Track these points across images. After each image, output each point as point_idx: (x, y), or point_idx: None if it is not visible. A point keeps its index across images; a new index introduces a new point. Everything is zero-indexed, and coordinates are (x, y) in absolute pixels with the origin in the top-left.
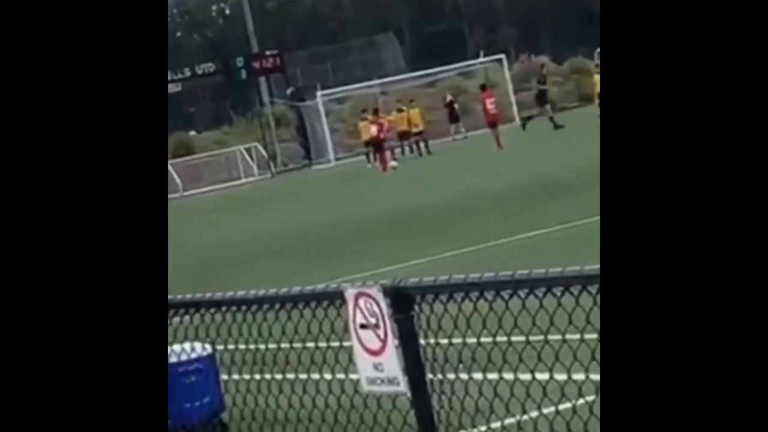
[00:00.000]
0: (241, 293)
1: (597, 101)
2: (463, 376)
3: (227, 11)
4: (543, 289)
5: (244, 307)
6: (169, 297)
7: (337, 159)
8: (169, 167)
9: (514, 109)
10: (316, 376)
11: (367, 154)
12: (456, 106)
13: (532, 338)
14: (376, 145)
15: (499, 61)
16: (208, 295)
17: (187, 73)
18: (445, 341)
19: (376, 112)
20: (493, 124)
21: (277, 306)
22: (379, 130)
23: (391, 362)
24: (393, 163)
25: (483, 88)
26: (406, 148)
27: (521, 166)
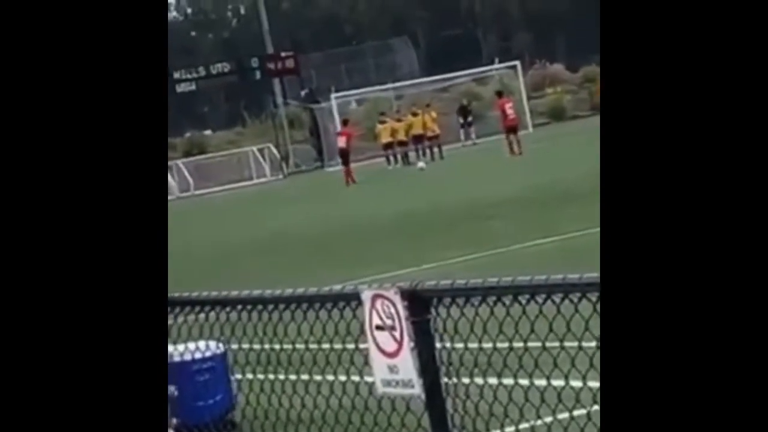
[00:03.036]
0: (257, 292)
1: None
2: (478, 380)
3: (242, 11)
4: (560, 295)
5: (260, 306)
6: (183, 295)
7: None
8: (181, 166)
9: (528, 116)
10: (330, 377)
11: (387, 156)
12: (470, 111)
13: (548, 344)
14: (343, 155)
15: (514, 67)
16: (224, 293)
17: (202, 72)
18: (460, 345)
19: (382, 114)
20: (512, 129)
21: (293, 306)
22: (348, 141)
23: (407, 365)
24: (420, 164)
25: (500, 94)
26: (420, 152)
27: (536, 172)
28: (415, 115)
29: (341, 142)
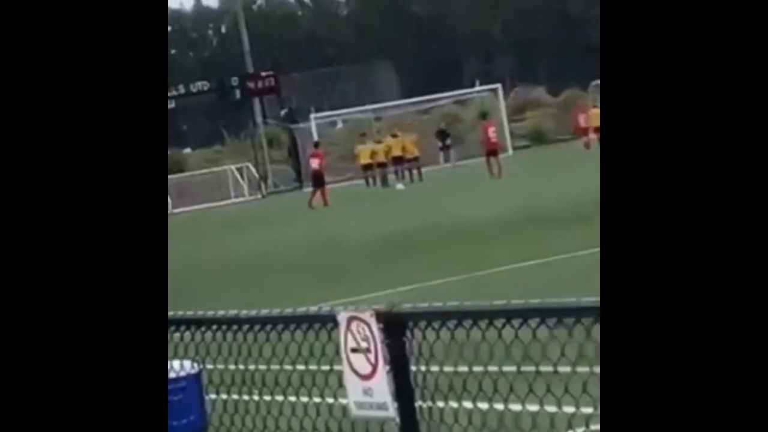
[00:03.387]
0: (232, 312)
1: (590, 135)
2: (453, 403)
3: (223, 30)
4: (536, 320)
5: (234, 326)
6: None
7: (328, 182)
8: None
9: (508, 139)
10: (304, 398)
11: (366, 178)
12: (449, 134)
13: (523, 368)
14: (316, 177)
15: (495, 90)
16: (200, 313)
17: (182, 90)
18: (436, 368)
19: (362, 135)
20: (493, 152)
21: (269, 326)
22: (320, 164)
23: (381, 387)
24: (399, 186)
25: (483, 116)
26: (399, 174)
27: (515, 195)
28: (394, 136)
29: (314, 164)
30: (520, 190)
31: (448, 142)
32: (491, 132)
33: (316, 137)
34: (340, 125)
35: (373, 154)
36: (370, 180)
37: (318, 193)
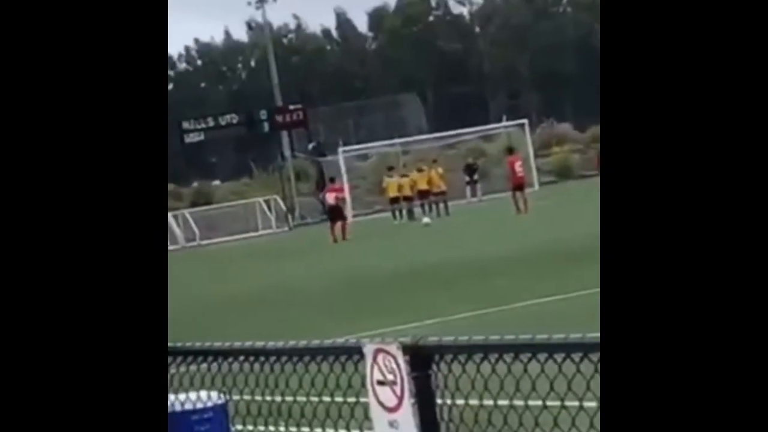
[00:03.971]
0: (259, 344)
1: None
2: None
3: (252, 64)
4: (562, 354)
5: (261, 358)
6: (185, 344)
7: (355, 215)
8: (188, 216)
9: (535, 174)
10: (330, 430)
11: (393, 211)
12: (476, 169)
13: (549, 403)
14: (333, 212)
15: (521, 126)
16: (227, 344)
17: (211, 123)
18: (461, 401)
19: (390, 169)
20: (519, 187)
21: (295, 358)
22: (336, 198)
23: (407, 420)
24: (426, 220)
25: (510, 151)
26: (426, 208)
27: (541, 230)
28: (420, 171)
29: (330, 199)
30: (546, 225)
31: (476, 176)
32: (518, 166)
33: (344, 170)
34: (370, 159)
35: (400, 187)
36: (397, 213)
37: (337, 226)
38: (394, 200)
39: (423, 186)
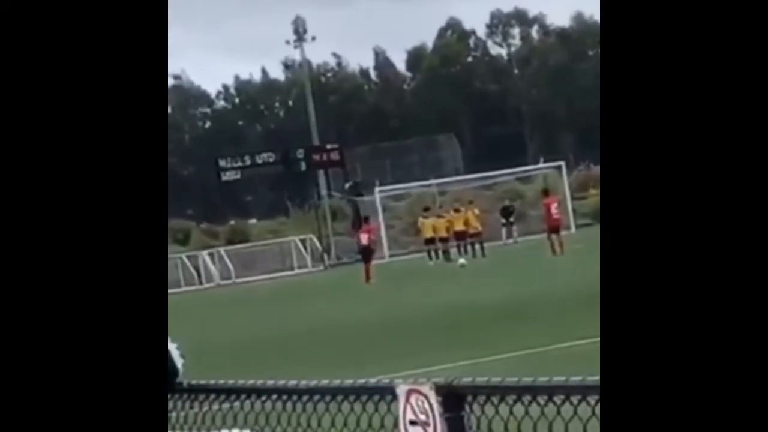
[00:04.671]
0: (292, 382)
1: None
2: None
3: (290, 103)
4: (595, 397)
5: (294, 397)
6: (218, 382)
7: (391, 255)
8: (224, 254)
9: (571, 216)
10: None
11: (429, 252)
12: (513, 211)
13: None
14: (365, 252)
15: (558, 168)
16: (260, 382)
17: (247, 161)
18: None
19: (426, 210)
20: (555, 229)
21: (328, 397)
22: (369, 238)
23: None
24: (461, 261)
25: (546, 193)
26: (461, 249)
27: (576, 273)
28: (457, 211)
29: (363, 239)
30: (581, 268)
31: (512, 218)
32: (554, 208)
33: (380, 210)
34: (406, 199)
35: (435, 228)
36: (433, 254)
37: (371, 266)
38: (430, 241)
39: (459, 227)
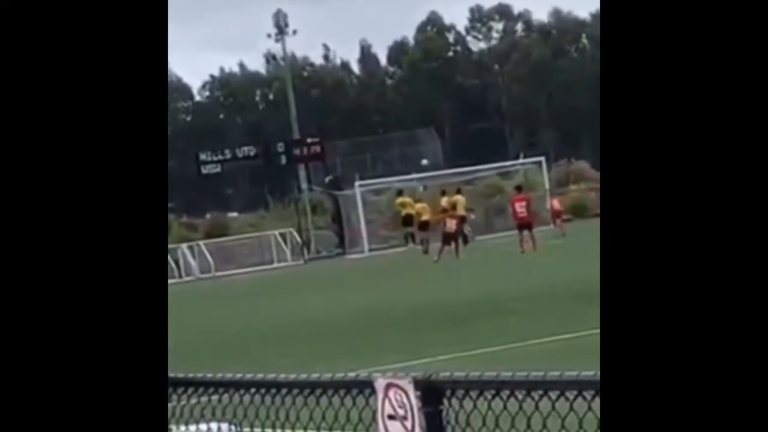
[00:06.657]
0: (271, 376)
1: None
2: None
3: (271, 97)
4: (574, 392)
5: (273, 390)
6: (197, 376)
7: (371, 249)
8: (203, 247)
9: (550, 212)
10: None
11: (406, 236)
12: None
13: None
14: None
15: (539, 163)
16: (238, 376)
17: (228, 155)
18: None
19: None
20: (524, 226)
21: (306, 391)
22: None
23: None
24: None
25: (518, 189)
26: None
27: (553, 269)
28: (444, 193)
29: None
30: (559, 264)
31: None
32: (518, 206)
33: (360, 205)
34: (382, 194)
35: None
36: (409, 238)
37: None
38: (407, 220)
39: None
